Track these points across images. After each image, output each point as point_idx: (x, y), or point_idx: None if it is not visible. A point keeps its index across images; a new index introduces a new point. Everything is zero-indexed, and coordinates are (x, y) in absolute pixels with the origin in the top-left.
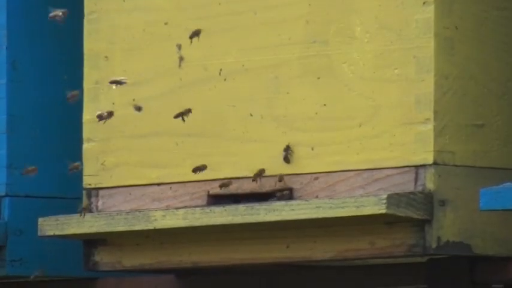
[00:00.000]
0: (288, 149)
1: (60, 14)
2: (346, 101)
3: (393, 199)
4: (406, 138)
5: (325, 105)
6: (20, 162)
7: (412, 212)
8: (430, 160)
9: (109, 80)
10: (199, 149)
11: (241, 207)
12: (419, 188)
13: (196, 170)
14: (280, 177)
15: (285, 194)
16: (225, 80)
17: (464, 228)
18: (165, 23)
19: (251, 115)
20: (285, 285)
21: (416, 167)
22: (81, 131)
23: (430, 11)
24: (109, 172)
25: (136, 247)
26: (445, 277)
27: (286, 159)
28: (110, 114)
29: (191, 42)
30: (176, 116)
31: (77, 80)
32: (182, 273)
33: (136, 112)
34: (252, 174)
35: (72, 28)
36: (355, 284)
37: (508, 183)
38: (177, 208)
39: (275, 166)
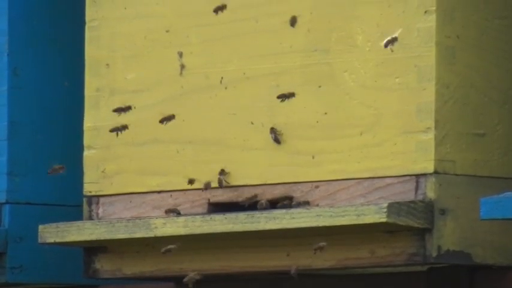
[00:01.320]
0: (273, 130)
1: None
2: (347, 109)
3: (394, 208)
4: (407, 147)
5: (326, 113)
6: (20, 169)
7: (413, 220)
8: (431, 169)
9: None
10: (200, 156)
11: (241, 215)
12: (420, 197)
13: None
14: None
15: (264, 203)
16: (226, 88)
17: (464, 237)
18: (167, 31)
19: (252, 123)
20: None
21: (417, 175)
22: (81, 138)
23: (431, 20)
24: (109, 179)
25: (137, 255)
26: (445, 286)
27: (277, 140)
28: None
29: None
30: (161, 121)
31: (78, 87)
32: (182, 281)
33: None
34: (252, 183)
35: (74, 35)
36: None
37: (509, 193)
38: (177, 216)
39: (275, 174)
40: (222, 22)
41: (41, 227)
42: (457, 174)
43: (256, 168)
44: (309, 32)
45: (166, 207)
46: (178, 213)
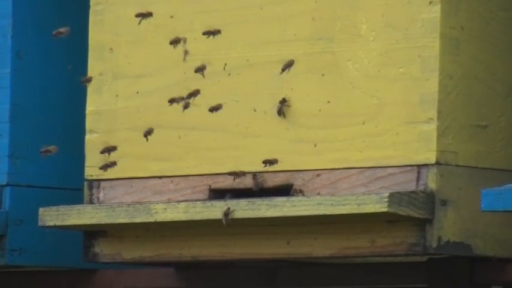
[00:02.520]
0: (283, 102)
1: (63, 30)
2: (350, 98)
3: (395, 198)
4: (409, 137)
5: (329, 102)
6: (22, 152)
7: (413, 211)
8: (433, 160)
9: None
10: (201, 142)
11: (242, 202)
12: (421, 187)
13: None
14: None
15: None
16: (229, 74)
17: (465, 228)
18: (171, 16)
19: (254, 110)
20: (284, 281)
21: (419, 166)
22: (84, 122)
23: (436, 11)
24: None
25: (137, 239)
26: (445, 277)
27: (279, 112)
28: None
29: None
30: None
31: (81, 71)
32: (182, 267)
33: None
34: (254, 170)
35: (78, 18)
36: (354, 282)
37: (510, 185)
38: (178, 201)
39: (278, 162)
40: (226, 9)
41: (41, 210)
42: (458, 166)
43: (258, 155)
44: (314, 20)
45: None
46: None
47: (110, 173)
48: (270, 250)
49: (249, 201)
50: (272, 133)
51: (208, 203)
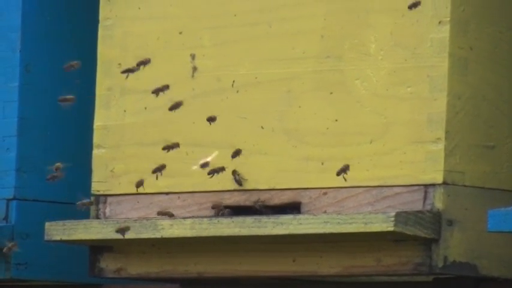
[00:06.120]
0: (235, 173)
1: (74, 64)
2: (358, 117)
3: (401, 217)
4: (417, 157)
5: (336, 120)
6: (29, 166)
7: (420, 230)
8: (440, 179)
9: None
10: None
11: (248, 219)
12: (428, 207)
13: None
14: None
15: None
16: (237, 91)
17: (471, 248)
18: (180, 32)
19: (262, 128)
20: None
21: (426, 185)
22: (91, 137)
23: (445, 31)
24: (118, 179)
25: (142, 255)
26: None
27: (239, 183)
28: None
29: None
30: (154, 92)
31: (89, 86)
32: (187, 283)
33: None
34: (261, 187)
35: (87, 33)
36: None
37: None
38: (184, 218)
39: (284, 179)
40: (235, 25)
41: (47, 224)
42: (465, 186)
43: (265, 173)
44: (322, 38)
45: (164, 209)
46: (171, 215)
47: (117, 189)
48: (275, 267)
49: (255, 219)
50: (279, 150)
51: (215, 220)
